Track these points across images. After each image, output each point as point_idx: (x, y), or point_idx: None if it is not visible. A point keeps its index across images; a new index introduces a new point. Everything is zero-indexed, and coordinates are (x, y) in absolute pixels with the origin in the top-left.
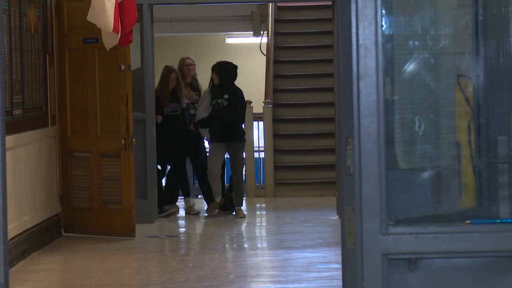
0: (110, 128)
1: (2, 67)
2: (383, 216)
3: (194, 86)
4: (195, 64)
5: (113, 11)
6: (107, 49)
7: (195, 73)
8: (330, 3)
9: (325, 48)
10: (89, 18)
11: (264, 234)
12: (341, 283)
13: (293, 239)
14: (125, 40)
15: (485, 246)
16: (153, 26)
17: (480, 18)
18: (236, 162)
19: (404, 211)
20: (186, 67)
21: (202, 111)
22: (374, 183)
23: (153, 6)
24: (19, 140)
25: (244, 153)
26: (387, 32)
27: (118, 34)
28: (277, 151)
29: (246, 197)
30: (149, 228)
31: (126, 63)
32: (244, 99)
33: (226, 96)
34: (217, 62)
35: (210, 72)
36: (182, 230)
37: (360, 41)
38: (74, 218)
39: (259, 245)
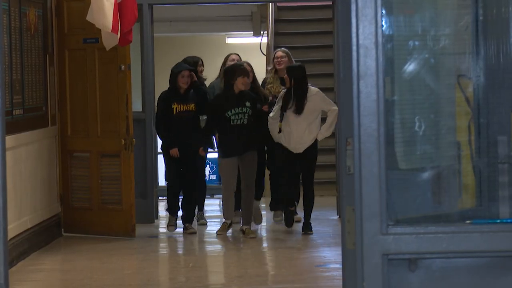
0: (110, 128)
1: (2, 67)
2: (383, 216)
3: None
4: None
5: (112, 11)
6: (107, 49)
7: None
8: (330, 3)
9: (325, 48)
10: (89, 18)
11: (264, 234)
12: (341, 283)
13: (293, 239)
14: (124, 40)
15: (485, 246)
16: (153, 26)
17: (480, 18)
18: (247, 174)
19: (404, 211)
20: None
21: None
22: (374, 183)
23: (153, 6)
24: (19, 140)
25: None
26: (387, 32)
27: (117, 34)
28: None
29: None
30: (149, 228)
31: (126, 63)
32: (266, 101)
33: (248, 104)
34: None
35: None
36: (182, 230)
37: (360, 41)
38: (74, 218)
39: (259, 245)
